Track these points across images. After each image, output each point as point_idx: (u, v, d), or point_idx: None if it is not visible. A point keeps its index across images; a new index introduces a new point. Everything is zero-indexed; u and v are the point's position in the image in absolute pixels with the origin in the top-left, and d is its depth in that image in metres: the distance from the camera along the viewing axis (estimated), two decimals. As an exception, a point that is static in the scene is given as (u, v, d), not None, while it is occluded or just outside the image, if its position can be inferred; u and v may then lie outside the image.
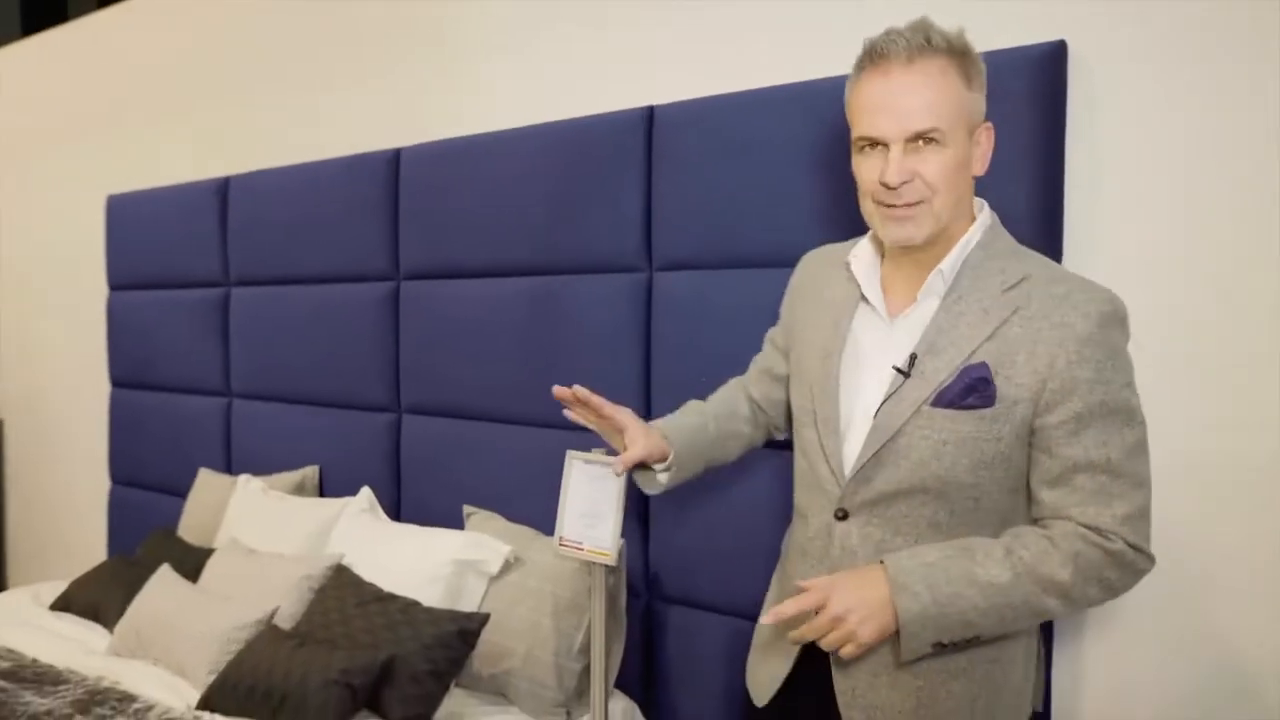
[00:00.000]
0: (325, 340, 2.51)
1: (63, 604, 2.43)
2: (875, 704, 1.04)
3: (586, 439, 1.33)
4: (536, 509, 2.01)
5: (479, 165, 2.16)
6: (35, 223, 3.83)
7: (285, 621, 1.93)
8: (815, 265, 1.24)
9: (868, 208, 1.05)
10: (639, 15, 1.99)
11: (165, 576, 2.16)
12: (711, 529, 1.78)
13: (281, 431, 2.67)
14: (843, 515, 1.06)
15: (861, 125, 1.01)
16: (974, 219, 1.06)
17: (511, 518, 2.07)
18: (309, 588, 1.99)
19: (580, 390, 1.17)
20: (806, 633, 0.94)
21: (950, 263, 1.02)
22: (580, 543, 1.48)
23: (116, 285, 3.21)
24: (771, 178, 1.71)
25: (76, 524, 3.66)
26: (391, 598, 1.87)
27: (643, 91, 1.92)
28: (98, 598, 2.34)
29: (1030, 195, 1.45)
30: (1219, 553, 1.37)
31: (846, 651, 0.93)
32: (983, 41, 1.47)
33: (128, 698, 1.81)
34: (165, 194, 3.01)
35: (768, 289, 1.65)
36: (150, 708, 1.76)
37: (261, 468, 2.64)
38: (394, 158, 2.33)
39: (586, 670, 1.67)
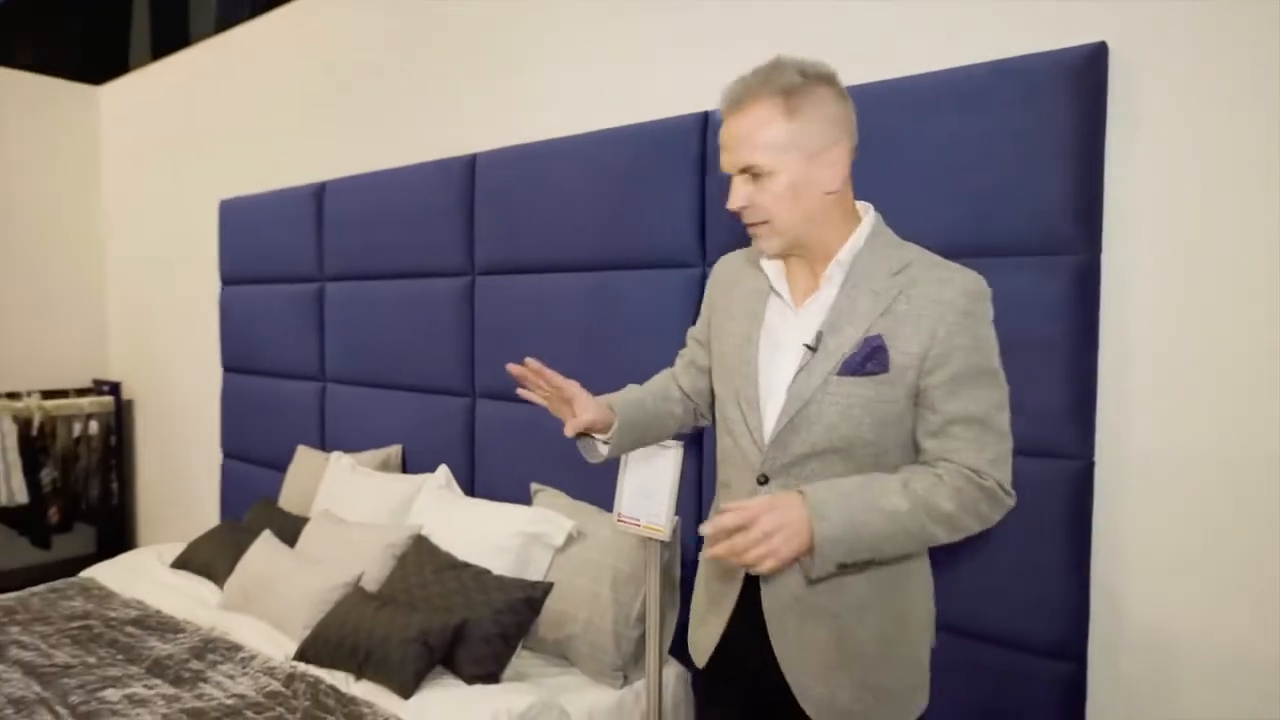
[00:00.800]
0: (408, 331, 2.57)
1: (181, 562, 2.55)
2: (803, 640, 1.13)
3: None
4: (597, 488, 2.04)
5: (547, 168, 2.19)
6: (158, 225, 3.99)
7: (370, 584, 2.01)
8: (729, 267, 1.31)
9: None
10: (694, 27, 2.00)
11: (267, 541, 2.27)
12: None
13: (369, 413, 2.74)
14: (764, 480, 1.14)
15: (721, 162, 1.13)
16: (859, 220, 1.15)
17: (574, 495, 2.11)
18: (391, 555, 2.07)
19: (533, 362, 1.24)
20: (735, 546, 0.98)
21: (845, 254, 1.12)
22: (637, 519, 1.52)
23: (228, 280, 3.32)
24: None
25: (194, 492, 3.82)
26: (465, 566, 1.93)
27: (698, 98, 1.93)
28: (210, 558, 2.46)
29: (1070, 192, 1.42)
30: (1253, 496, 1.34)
31: (767, 566, 0.98)
32: (1024, 44, 1.47)
33: (235, 647, 1.93)
34: (269, 198, 3.10)
35: None
36: (254, 657, 1.87)
37: (351, 445, 2.72)
38: (470, 162, 2.38)
39: (642, 638, 1.71)
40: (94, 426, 4.04)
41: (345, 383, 2.85)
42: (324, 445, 2.89)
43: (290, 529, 2.37)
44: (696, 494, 1.93)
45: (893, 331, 1.07)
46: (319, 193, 2.89)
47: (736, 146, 1.08)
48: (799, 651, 1.14)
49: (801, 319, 1.15)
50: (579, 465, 2.17)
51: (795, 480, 1.11)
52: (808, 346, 1.11)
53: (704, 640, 1.26)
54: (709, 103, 1.89)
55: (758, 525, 0.97)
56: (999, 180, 1.47)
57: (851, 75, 1.65)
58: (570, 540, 1.96)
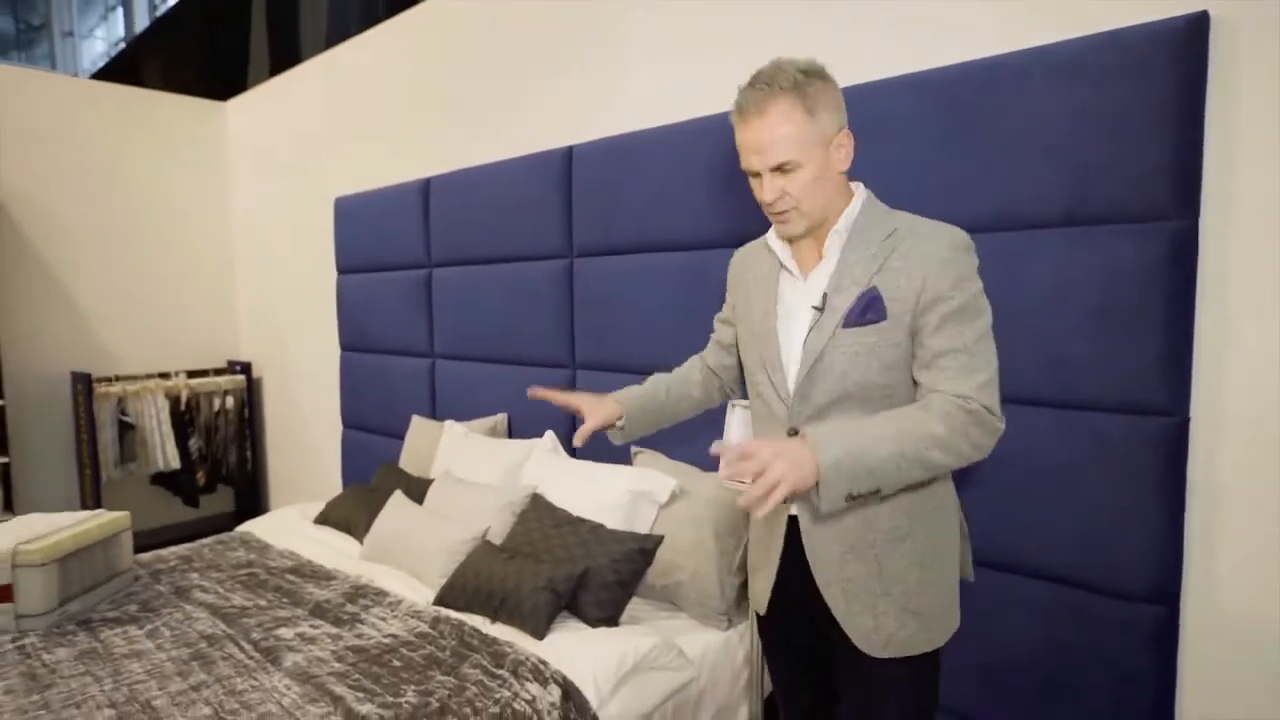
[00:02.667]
0: (511, 309, 2.57)
1: (322, 519, 2.61)
2: (846, 576, 1.15)
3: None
4: (691, 449, 2.02)
5: (637, 158, 2.15)
6: (279, 224, 4.06)
7: (494, 538, 2.03)
8: (744, 256, 1.35)
9: (766, 213, 1.17)
10: (777, 19, 1.93)
11: (399, 500, 2.31)
12: None
13: (476, 385, 2.76)
14: (794, 433, 1.15)
15: (743, 162, 1.15)
16: (852, 194, 1.18)
17: (670, 457, 2.10)
18: (511, 512, 2.08)
19: (538, 391, 1.37)
20: (739, 469, 0.99)
21: (843, 224, 1.15)
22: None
23: (343, 270, 3.37)
24: (894, 157, 1.63)
25: (316, 457, 3.91)
26: (581, 521, 1.93)
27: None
28: (348, 514, 2.51)
29: (1169, 160, 1.33)
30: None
31: (776, 496, 0.96)
32: (1125, 14, 1.37)
33: (382, 593, 1.97)
34: (379, 195, 3.12)
35: None
36: (399, 601, 1.91)
37: (460, 415, 2.75)
38: (567, 154, 2.36)
39: (744, 585, 1.69)
40: (230, 401, 4.16)
41: (453, 358, 2.87)
42: (435, 415, 2.92)
43: (415, 489, 2.40)
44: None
45: (888, 283, 1.10)
46: (425, 188, 2.90)
47: (767, 149, 1.10)
48: (843, 586, 1.15)
49: (809, 286, 1.18)
50: (675, 429, 2.18)
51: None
52: (815, 308, 1.14)
53: (760, 589, 1.28)
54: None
55: (758, 457, 0.98)
56: (1099, 151, 1.39)
57: (952, 55, 1.59)
58: (673, 497, 1.95)
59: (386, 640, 1.69)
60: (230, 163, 4.39)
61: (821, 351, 1.12)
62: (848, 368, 1.11)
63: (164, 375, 4.00)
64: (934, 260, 1.09)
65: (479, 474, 2.35)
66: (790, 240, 1.20)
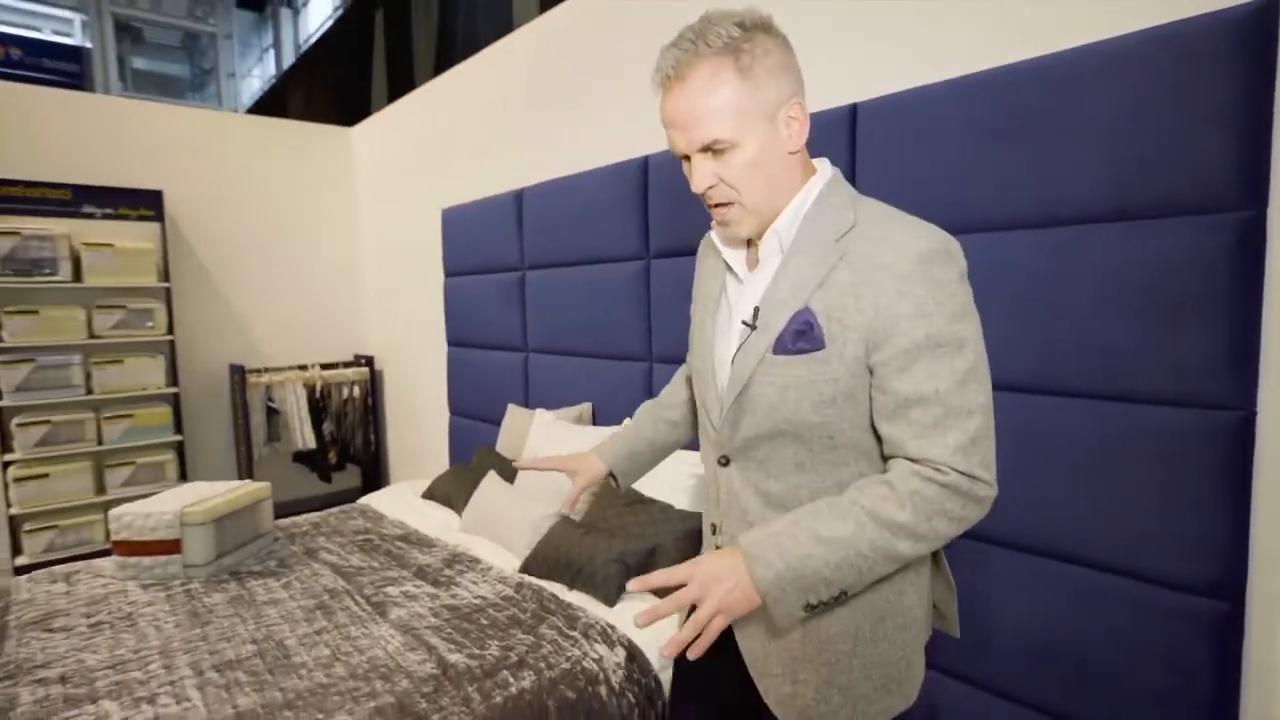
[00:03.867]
0: (594, 307, 2.65)
1: (428, 494, 2.78)
2: (767, 636, 0.93)
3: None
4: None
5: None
6: (397, 233, 4.30)
7: (575, 514, 2.12)
8: (705, 245, 1.09)
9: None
10: (840, 20, 1.91)
11: (493, 478, 2.44)
12: None
13: (564, 377, 2.85)
14: (725, 461, 0.95)
15: (668, 141, 0.89)
16: (814, 176, 0.92)
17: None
18: (590, 492, 2.11)
19: (523, 463, 1.21)
20: (681, 601, 0.79)
21: (784, 222, 0.88)
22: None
23: (449, 273, 3.53)
24: (945, 160, 1.58)
25: (428, 441, 4.12)
26: (651, 501, 1.99)
27: (846, 90, 1.85)
28: (450, 491, 2.67)
29: (1234, 149, 1.24)
30: None
31: (717, 624, 0.78)
32: (1190, 5, 1.28)
33: (475, 560, 2.10)
34: (479, 205, 3.27)
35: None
36: (490, 568, 2.03)
37: (550, 404, 2.85)
38: (643, 164, 2.41)
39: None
40: (356, 391, 4.45)
41: (544, 352, 2.97)
42: (528, 403, 3.03)
43: (507, 470, 2.53)
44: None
45: (832, 303, 0.84)
46: (518, 198, 3.02)
47: (692, 123, 0.83)
48: (764, 647, 0.94)
49: (744, 291, 0.94)
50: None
51: (753, 463, 0.92)
52: (745, 323, 0.90)
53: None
54: (856, 95, 1.82)
55: (691, 585, 0.79)
56: (1159, 144, 1.30)
57: (1008, 55, 1.53)
58: (737, 481, 1.96)
59: (476, 601, 1.80)
60: (356, 181, 4.69)
61: (750, 379, 0.89)
62: (776, 401, 0.87)
63: (302, 367, 4.33)
64: (891, 276, 0.81)
65: (563, 458, 2.43)
66: (755, 238, 0.93)
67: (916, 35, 1.75)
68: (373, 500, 2.82)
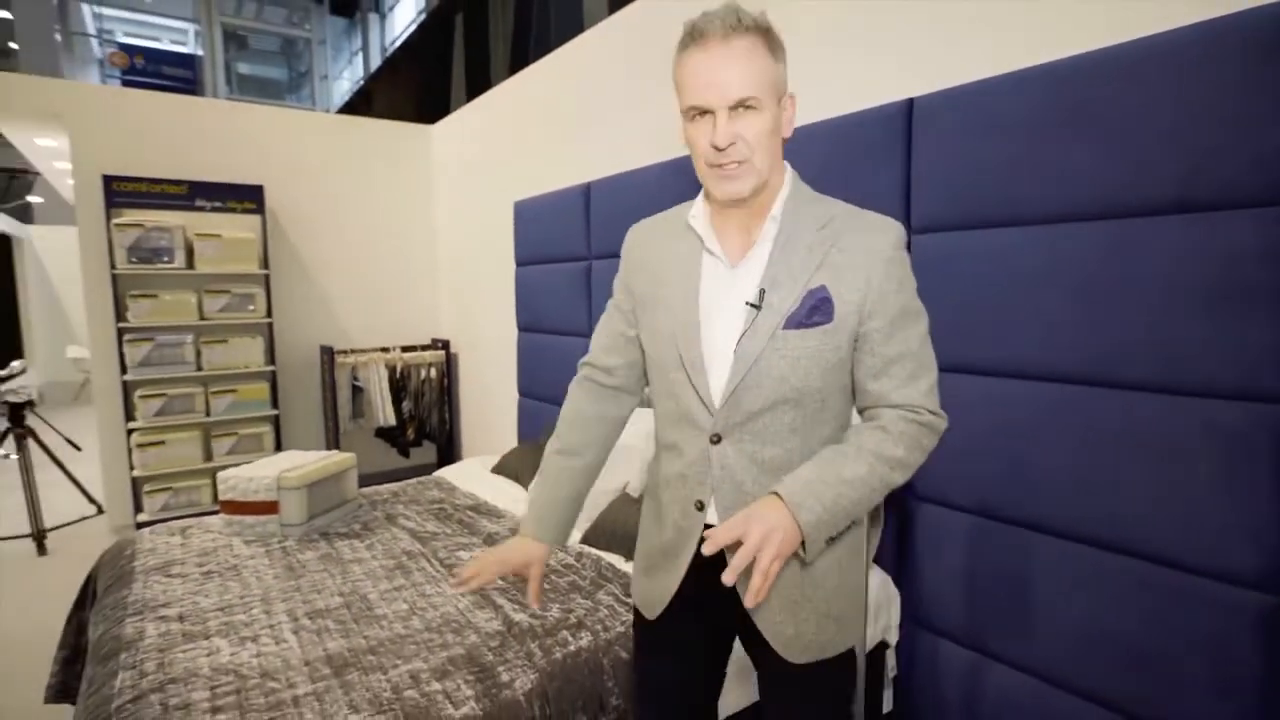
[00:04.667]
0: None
1: (498, 469, 2.90)
2: (774, 586, 0.99)
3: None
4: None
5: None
6: (472, 225, 4.45)
7: (632, 491, 2.17)
8: (645, 234, 1.11)
9: (700, 169, 0.96)
10: (892, 21, 1.88)
11: (557, 456, 2.53)
12: (954, 447, 1.70)
13: None
14: (717, 439, 0.99)
15: (690, 96, 0.92)
16: (784, 174, 1.00)
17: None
18: (646, 469, 2.21)
19: (459, 584, 1.07)
20: (746, 556, 0.85)
21: (779, 209, 0.98)
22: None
23: (520, 263, 3.62)
24: (1007, 152, 1.55)
25: (497, 419, 4.27)
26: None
27: (903, 86, 1.83)
28: (517, 466, 2.77)
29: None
30: None
31: (775, 569, 0.86)
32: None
33: (539, 530, 2.19)
34: (549, 198, 3.34)
35: (1007, 246, 1.53)
36: (552, 538, 2.11)
37: None
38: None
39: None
40: (433, 372, 4.64)
41: (606, 339, 3.05)
42: (592, 387, 3.11)
43: (571, 448, 2.60)
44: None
45: (832, 281, 0.94)
46: (586, 191, 3.07)
47: (731, 81, 0.89)
48: (767, 599, 1.00)
49: (736, 278, 0.98)
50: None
51: (749, 435, 0.97)
52: (751, 305, 0.95)
53: (655, 593, 1.09)
54: (912, 90, 1.79)
55: (750, 538, 0.85)
56: (1222, 135, 1.25)
57: (1067, 48, 1.49)
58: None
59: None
60: (435, 176, 4.87)
61: (758, 355, 0.94)
62: (787, 372, 0.94)
63: (384, 349, 4.55)
64: (879, 259, 0.94)
65: (622, 437, 2.47)
66: (728, 205, 0.97)
67: (973, 30, 1.72)
68: (446, 473, 2.97)
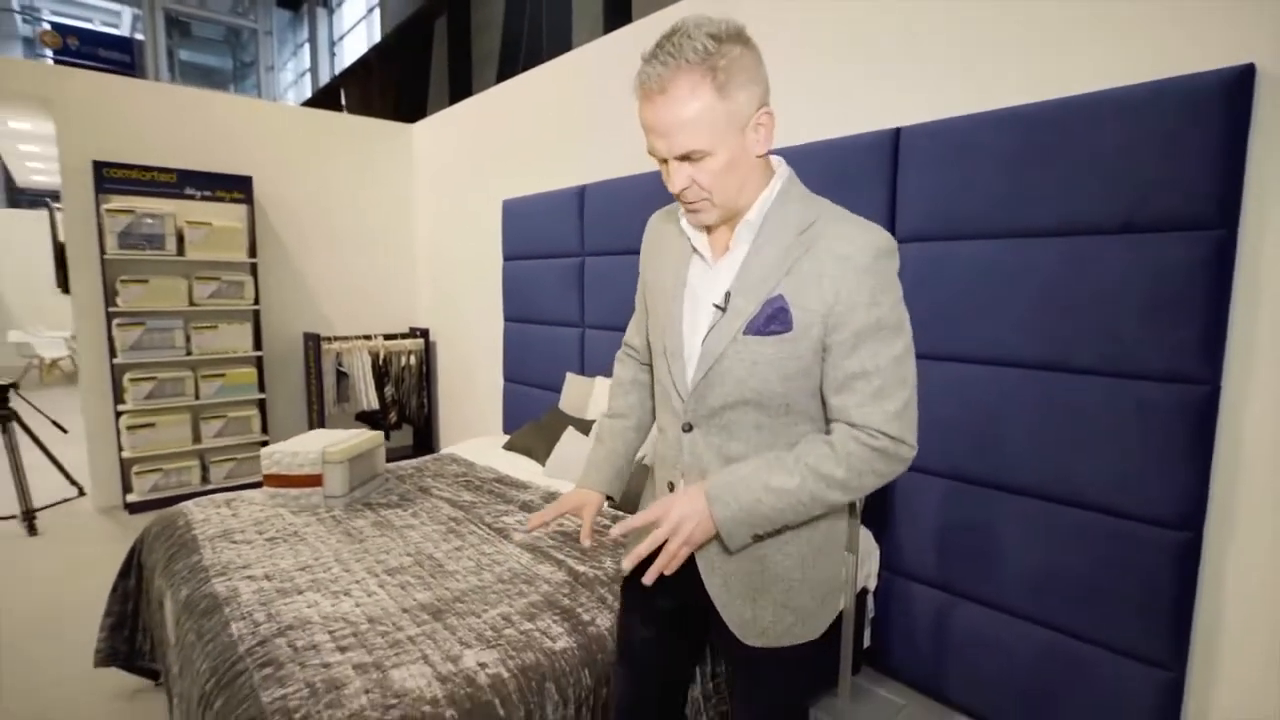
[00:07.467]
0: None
1: (509, 446, 2.94)
2: (729, 570, 0.98)
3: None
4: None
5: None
6: (452, 221, 4.39)
7: (648, 462, 2.31)
8: (659, 224, 1.10)
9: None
10: (880, 51, 2.08)
11: (571, 433, 2.61)
12: (932, 422, 1.86)
13: (617, 349, 2.97)
14: (688, 428, 0.98)
15: (647, 144, 0.90)
16: (773, 175, 0.95)
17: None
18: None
19: (534, 524, 1.11)
20: (653, 542, 0.89)
21: (755, 214, 0.93)
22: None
23: (508, 257, 3.64)
24: (980, 177, 1.75)
25: (475, 406, 4.27)
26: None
27: (892, 114, 2.02)
28: (530, 443, 2.83)
29: (1216, 181, 1.44)
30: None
31: (682, 554, 0.89)
32: (1183, 64, 1.49)
33: (567, 497, 2.29)
34: (541, 198, 3.38)
35: (981, 255, 1.73)
36: (581, 503, 2.22)
37: (606, 372, 2.99)
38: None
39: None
40: (413, 359, 4.56)
41: (599, 328, 3.11)
42: (584, 372, 3.18)
43: (579, 426, 2.69)
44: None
45: (796, 290, 0.88)
46: (581, 193, 3.13)
47: (672, 134, 0.85)
48: (725, 578, 0.99)
49: (715, 276, 0.96)
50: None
51: (716, 429, 0.96)
52: (716, 306, 0.93)
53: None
54: (899, 120, 2.00)
55: (666, 521, 0.89)
56: (1154, 173, 1.51)
57: (1035, 93, 1.71)
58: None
59: (574, 530, 2.00)
60: (415, 174, 4.78)
61: (721, 355, 0.92)
62: (745, 375, 0.91)
63: (366, 337, 4.45)
64: (850, 268, 0.86)
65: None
66: (718, 226, 0.96)
67: (953, 72, 1.94)
68: (457, 450, 2.99)
